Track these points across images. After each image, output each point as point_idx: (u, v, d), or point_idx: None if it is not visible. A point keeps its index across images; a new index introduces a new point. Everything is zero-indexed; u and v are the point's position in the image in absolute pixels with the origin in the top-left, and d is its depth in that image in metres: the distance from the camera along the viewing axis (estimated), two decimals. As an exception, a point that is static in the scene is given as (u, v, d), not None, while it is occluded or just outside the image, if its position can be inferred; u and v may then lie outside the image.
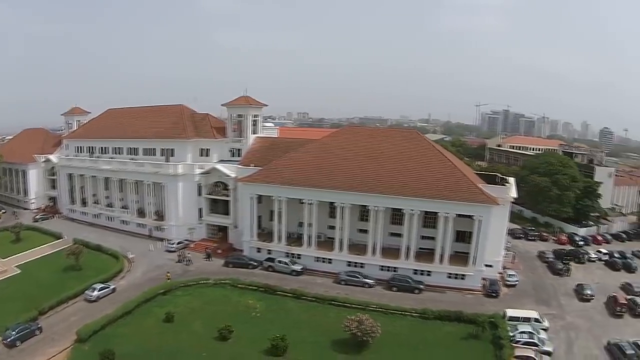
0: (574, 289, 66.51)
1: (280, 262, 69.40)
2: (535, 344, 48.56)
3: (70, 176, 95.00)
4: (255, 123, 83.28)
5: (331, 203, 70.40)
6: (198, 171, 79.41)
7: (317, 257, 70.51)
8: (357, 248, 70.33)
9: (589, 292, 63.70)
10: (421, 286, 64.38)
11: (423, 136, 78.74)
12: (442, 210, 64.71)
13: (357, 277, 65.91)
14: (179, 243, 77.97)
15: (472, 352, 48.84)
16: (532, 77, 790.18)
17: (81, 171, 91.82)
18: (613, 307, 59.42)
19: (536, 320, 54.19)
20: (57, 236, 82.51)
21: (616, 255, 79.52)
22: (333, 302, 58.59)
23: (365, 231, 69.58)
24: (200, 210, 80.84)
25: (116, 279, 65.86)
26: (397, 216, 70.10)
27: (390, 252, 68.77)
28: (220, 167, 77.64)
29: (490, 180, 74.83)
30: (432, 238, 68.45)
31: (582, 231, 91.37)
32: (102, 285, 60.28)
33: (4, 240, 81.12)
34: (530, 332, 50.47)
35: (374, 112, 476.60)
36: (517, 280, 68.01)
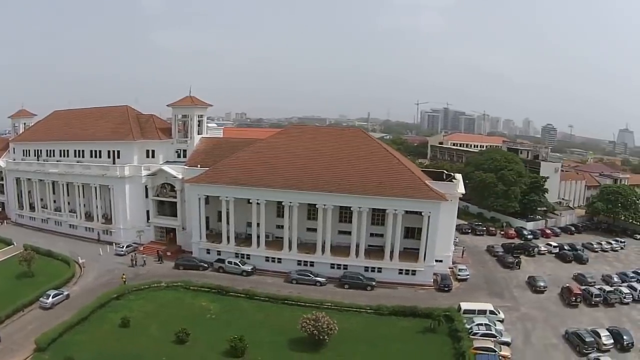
0: (527, 281, 64.46)
1: (230, 262, 64.49)
2: (493, 335, 46.78)
3: (17, 180, 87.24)
4: (200, 123, 77.65)
5: (279, 202, 66.05)
6: (145, 173, 73.32)
7: (267, 257, 65.90)
8: (307, 247, 66.24)
9: (541, 283, 61.92)
10: (373, 283, 60.94)
11: (369, 134, 75.52)
12: (391, 207, 61.41)
13: (309, 276, 61.88)
14: (128, 246, 71.85)
15: (430, 345, 47.17)
16: (472, 76, 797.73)
17: (28, 175, 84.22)
18: (568, 298, 57.82)
19: (491, 312, 52.40)
20: (7, 242, 75.18)
21: (566, 247, 77.67)
22: (287, 301, 55.63)
23: (314, 230, 65.52)
24: (147, 212, 74.71)
25: (69, 284, 60.71)
26: (345, 214, 66.45)
27: (340, 250, 65.05)
28: (166, 168, 71.91)
29: (437, 177, 71.91)
30: (381, 235, 65.34)
31: (530, 225, 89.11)
32: (55, 292, 55.72)
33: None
34: (487, 324, 48.39)
35: (312, 111, 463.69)
36: (468, 275, 65.53)
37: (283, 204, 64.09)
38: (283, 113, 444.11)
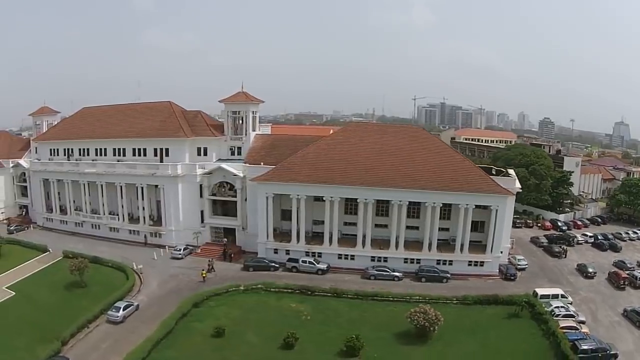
0: (576, 268, 70.82)
1: (304, 262, 66.34)
2: (572, 316, 52.55)
3: (45, 182, 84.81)
4: (253, 120, 78.84)
5: (347, 199, 68.98)
6: (199, 171, 73.72)
7: (340, 254, 68.27)
8: (376, 243, 69.12)
9: (591, 270, 68.31)
10: (448, 275, 65.04)
11: (429, 133, 79.36)
12: (463, 201, 65.79)
13: (387, 271, 64.99)
14: (185, 249, 71.94)
15: (518, 329, 50.92)
16: (463, 72, 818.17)
17: (59, 176, 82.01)
18: (616, 281, 64.70)
19: (562, 296, 57.69)
20: (42, 249, 72.69)
21: (600, 237, 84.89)
22: (376, 297, 57.45)
23: (381, 226, 69.40)
24: (202, 213, 75.15)
25: (131, 294, 58.63)
26: (413, 210, 69.80)
27: (409, 244, 68.57)
28: (226, 166, 72.59)
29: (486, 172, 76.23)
30: (446, 229, 69.88)
31: (561, 217, 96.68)
32: (126, 303, 53.39)
33: (-19, 258, 69.39)
34: (563, 306, 54.03)
35: (307, 108, 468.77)
36: (526, 264, 70.84)
37: (358, 200, 66.70)
38: (278, 110, 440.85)
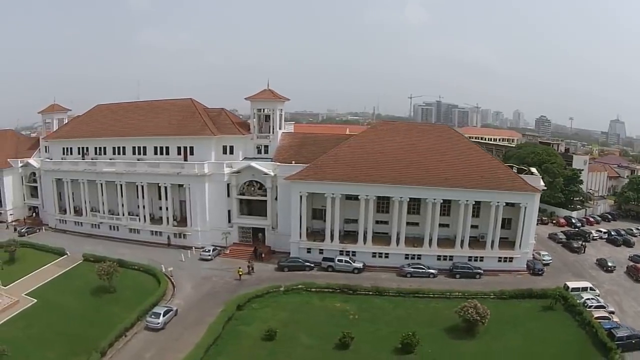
0: (596, 262, 76.02)
1: (340, 260, 69.31)
2: (603, 307, 57.20)
3: (57, 182, 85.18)
4: (280, 118, 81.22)
5: (379, 198, 72.37)
6: (227, 170, 75.73)
7: (374, 253, 71.56)
8: (408, 240, 72.46)
9: (610, 264, 73.70)
10: (481, 271, 69.04)
11: (457, 131, 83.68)
12: (494, 199, 69.79)
13: (422, 269, 68.75)
14: (214, 250, 73.84)
15: (555, 321, 55.06)
16: (457, 70, 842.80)
17: (74, 175, 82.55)
18: (635, 275, 70.09)
19: (591, 289, 62.47)
20: (59, 252, 73.13)
21: (613, 233, 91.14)
22: (417, 295, 60.59)
23: (411, 223, 72.66)
24: (229, 212, 77.33)
25: (165, 298, 59.23)
26: (444, 207, 72.83)
27: (439, 242, 71.98)
28: (256, 164, 74.82)
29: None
30: (475, 226, 73.95)
31: (574, 214, 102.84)
32: (166, 309, 53.29)
33: (-5, 262, 69.01)
34: (594, 298, 58.85)
35: (302, 107, 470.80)
36: (550, 259, 75.47)
37: (392, 199, 70.32)
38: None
